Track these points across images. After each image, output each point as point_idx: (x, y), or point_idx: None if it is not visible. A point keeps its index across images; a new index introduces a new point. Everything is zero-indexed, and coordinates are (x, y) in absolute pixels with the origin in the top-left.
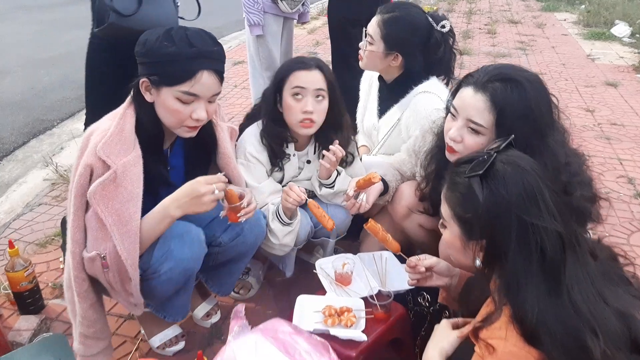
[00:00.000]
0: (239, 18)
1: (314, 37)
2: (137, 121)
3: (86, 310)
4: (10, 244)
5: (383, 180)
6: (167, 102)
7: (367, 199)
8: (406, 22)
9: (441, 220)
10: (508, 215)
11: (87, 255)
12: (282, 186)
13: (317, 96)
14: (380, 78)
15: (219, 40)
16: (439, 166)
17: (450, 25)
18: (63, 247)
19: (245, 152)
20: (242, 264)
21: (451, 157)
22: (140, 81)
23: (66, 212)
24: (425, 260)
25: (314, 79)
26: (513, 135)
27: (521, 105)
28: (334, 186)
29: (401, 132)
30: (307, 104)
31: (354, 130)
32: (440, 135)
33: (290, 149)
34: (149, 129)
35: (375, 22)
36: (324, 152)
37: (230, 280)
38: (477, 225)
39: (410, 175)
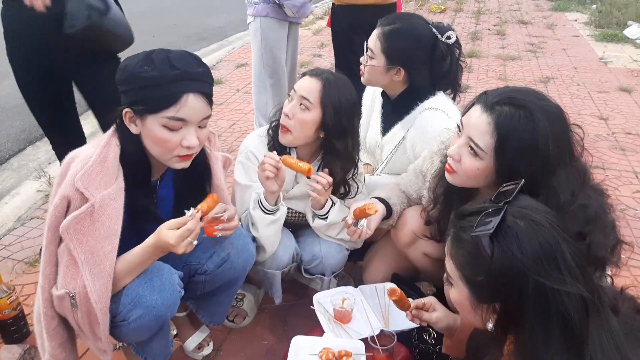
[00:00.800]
0: (243, 17)
1: (318, 39)
2: (122, 151)
3: (55, 348)
4: None
5: (387, 203)
6: (154, 131)
7: (368, 225)
8: (408, 34)
9: (446, 275)
10: (524, 280)
11: (57, 293)
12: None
13: (300, 104)
14: (383, 94)
15: (225, 40)
16: (447, 189)
17: (456, 36)
18: None
19: (247, 151)
20: (232, 291)
21: (449, 177)
22: (124, 112)
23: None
24: (425, 315)
25: (306, 85)
26: (523, 181)
27: (527, 135)
28: (327, 217)
29: (406, 150)
30: (288, 106)
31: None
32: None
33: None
34: (136, 162)
35: (376, 35)
36: (307, 181)
37: (222, 309)
38: (488, 288)
39: (416, 198)
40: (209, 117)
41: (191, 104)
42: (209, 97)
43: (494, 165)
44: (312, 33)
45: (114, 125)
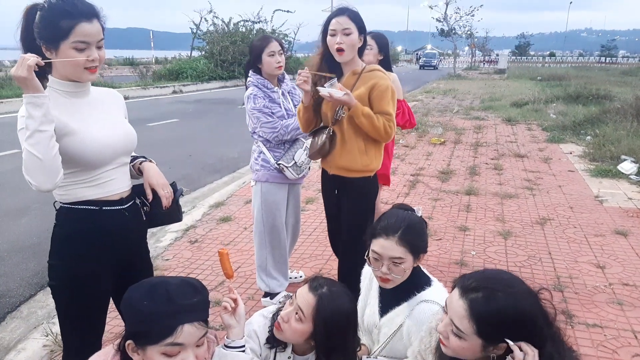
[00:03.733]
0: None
1: None
2: None
3: None
4: None
5: None
6: (157, 358)
7: None
8: (419, 231)
9: None
10: None
11: None
12: None
13: (296, 312)
14: None
15: (237, 172)
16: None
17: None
18: None
19: (250, 329)
20: None
21: (443, 349)
22: (126, 344)
23: None
24: None
25: (303, 298)
26: None
27: (500, 318)
28: None
29: (403, 337)
30: (286, 310)
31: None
32: None
33: (288, 350)
34: None
35: (396, 242)
36: None
37: None
38: None
39: None
40: (205, 334)
41: (186, 331)
42: (205, 321)
43: (482, 344)
44: (318, 166)
45: (117, 344)
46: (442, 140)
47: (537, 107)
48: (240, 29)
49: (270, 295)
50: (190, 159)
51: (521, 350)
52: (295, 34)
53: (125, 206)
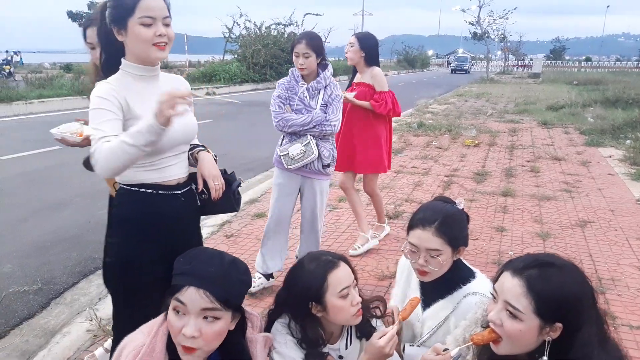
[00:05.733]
0: None
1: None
2: (169, 339)
3: None
4: None
5: None
6: (169, 313)
7: None
8: (459, 222)
9: None
10: None
11: None
12: None
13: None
14: None
15: (269, 171)
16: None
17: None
18: None
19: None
20: None
21: (495, 349)
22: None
23: None
24: None
25: (344, 274)
26: None
27: (558, 291)
28: None
29: (449, 331)
30: (355, 296)
31: None
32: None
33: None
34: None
35: (432, 234)
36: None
37: None
38: None
39: None
40: (212, 309)
41: (189, 294)
42: (214, 294)
43: (539, 326)
44: None
45: (163, 313)
46: (476, 142)
47: (574, 111)
48: (272, 33)
49: (265, 276)
50: (224, 157)
51: None
52: (326, 38)
53: (181, 191)
